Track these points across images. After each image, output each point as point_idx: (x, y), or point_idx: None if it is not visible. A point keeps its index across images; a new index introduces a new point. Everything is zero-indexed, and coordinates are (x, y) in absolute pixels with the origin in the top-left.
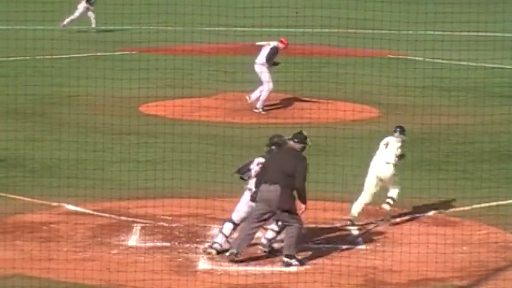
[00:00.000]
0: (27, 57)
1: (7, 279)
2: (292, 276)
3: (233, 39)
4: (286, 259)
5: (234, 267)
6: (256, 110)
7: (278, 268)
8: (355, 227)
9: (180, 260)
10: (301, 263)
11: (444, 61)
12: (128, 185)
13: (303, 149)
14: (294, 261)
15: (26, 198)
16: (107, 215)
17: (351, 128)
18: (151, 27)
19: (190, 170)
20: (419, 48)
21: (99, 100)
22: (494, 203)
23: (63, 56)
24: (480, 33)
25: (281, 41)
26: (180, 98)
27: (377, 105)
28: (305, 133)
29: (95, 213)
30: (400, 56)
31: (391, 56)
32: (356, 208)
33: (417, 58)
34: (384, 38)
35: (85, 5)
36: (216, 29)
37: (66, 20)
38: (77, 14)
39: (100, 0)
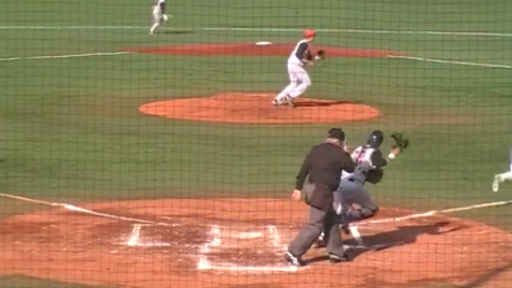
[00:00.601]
0: (27, 57)
1: (7, 280)
2: (292, 276)
3: (233, 39)
4: (289, 254)
5: (234, 268)
6: (285, 102)
7: (278, 268)
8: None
9: (180, 260)
10: (302, 263)
11: (444, 61)
12: (128, 185)
13: (342, 144)
14: (295, 260)
15: (26, 199)
16: (106, 215)
17: (351, 128)
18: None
19: (190, 170)
20: (420, 48)
21: (99, 100)
22: (494, 203)
23: (63, 56)
24: (480, 33)
25: (305, 34)
26: (180, 98)
27: (377, 105)
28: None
29: (95, 213)
30: (400, 56)
31: (391, 56)
32: (507, 175)
33: (417, 58)
34: (384, 38)
35: (159, 9)
36: (216, 29)
37: (152, 28)
38: (156, 19)
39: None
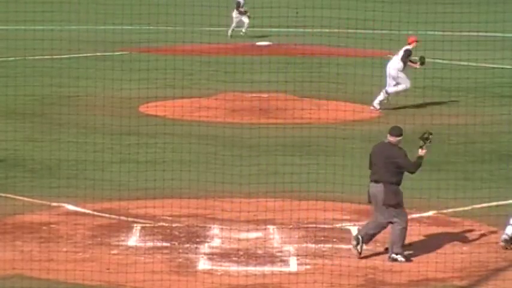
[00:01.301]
0: (27, 57)
1: (7, 280)
2: (292, 276)
3: (233, 39)
4: (393, 255)
5: (234, 268)
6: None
7: (278, 268)
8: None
9: (180, 260)
10: (407, 259)
11: (444, 61)
12: (128, 185)
13: (399, 141)
14: (400, 257)
15: (26, 199)
16: (106, 215)
17: (351, 128)
18: (151, 27)
19: (190, 170)
20: (420, 48)
21: (99, 100)
22: (495, 203)
23: (63, 56)
24: (480, 33)
25: (409, 42)
26: (180, 98)
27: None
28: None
29: (95, 213)
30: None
31: (392, 56)
32: None
33: (417, 58)
34: (384, 38)
35: (237, 13)
36: (216, 29)
37: (229, 31)
38: (234, 23)
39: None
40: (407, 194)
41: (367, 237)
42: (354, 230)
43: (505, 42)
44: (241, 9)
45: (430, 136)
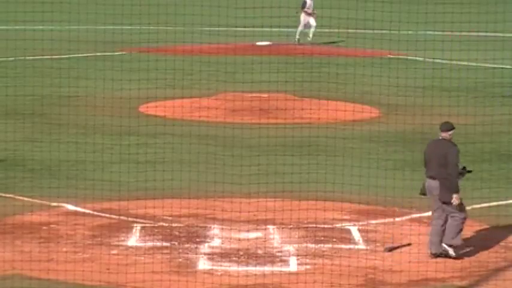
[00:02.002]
0: (27, 58)
1: (6, 280)
2: (292, 276)
3: (233, 39)
4: (445, 246)
5: (234, 268)
6: None
7: (278, 268)
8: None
9: (180, 260)
10: (457, 254)
11: (444, 61)
12: (128, 185)
13: (452, 135)
14: (450, 250)
15: (26, 199)
16: (106, 215)
17: (351, 128)
18: (151, 27)
19: (190, 170)
20: (420, 48)
21: (99, 100)
22: (495, 203)
23: (62, 56)
24: (480, 33)
25: None
26: (180, 98)
27: (377, 106)
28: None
29: (95, 213)
30: (401, 56)
31: (392, 56)
32: None
33: (417, 58)
34: (384, 38)
35: (304, 14)
36: (216, 29)
37: (296, 34)
38: (301, 25)
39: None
40: (407, 194)
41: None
42: (354, 230)
43: (505, 42)
44: (307, 10)
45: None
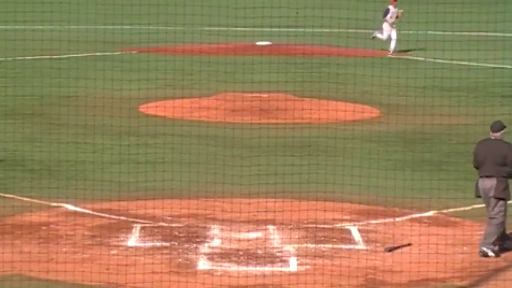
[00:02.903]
0: (27, 58)
1: (6, 280)
2: (292, 277)
3: (233, 39)
4: (484, 249)
5: (234, 268)
6: None
7: (278, 268)
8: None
9: (180, 260)
10: (496, 254)
11: (445, 61)
12: (128, 185)
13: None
14: (490, 251)
15: (25, 199)
16: (106, 215)
17: (351, 129)
18: (151, 27)
19: (190, 170)
20: (420, 48)
21: (99, 100)
22: None
23: (62, 56)
24: (481, 33)
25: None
26: (180, 98)
27: (378, 106)
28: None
29: (95, 213)
30: (401, 56)
31: (392, 56)
32: None
33: (418, 58)
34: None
35: (387, 25)
36: (216, 29)
37: (391, 47)
38: (384, 35)
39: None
40: (407, 194)
41: (499, 241)
42: (354, 230)
43: (506, 42)
44: (388, 19)
45: None
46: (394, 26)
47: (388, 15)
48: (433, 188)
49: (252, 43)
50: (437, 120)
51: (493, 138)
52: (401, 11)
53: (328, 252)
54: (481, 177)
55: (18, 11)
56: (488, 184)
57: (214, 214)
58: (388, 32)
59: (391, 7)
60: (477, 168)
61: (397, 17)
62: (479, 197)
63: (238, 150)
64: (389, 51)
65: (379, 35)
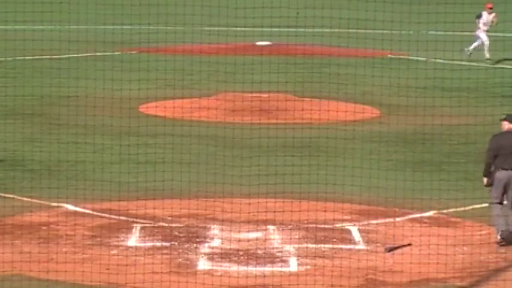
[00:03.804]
0: (27, 57)
1: (6, 280)
2: (292, 277)
3: (233, 39)
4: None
5: (234, 268)
6: None
7: (278, 268)
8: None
9: (180, 260)
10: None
11: (445, 61)
12: (128, 185)
13: None
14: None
15: (25, 199)
16: (106, 215)
17: (352, 129)
18: (151, 27)
19: (190, 171)
20: (421, 48)
21: (99, 100)
22: None
23: (62, 56)
24: None
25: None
26: (180, 98)
27: (378, 106)
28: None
29: (95, 213)
30: (401, 56)
31: (392, 56)
32: None
33: (418, 58)
34: (385, 38)
35: (480, 32)
36: (216, 29)
37: (486, 53)
38: (477, 42)
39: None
40: (408, 194)
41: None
42: (355, 230)
43: (506, 42)
44: (481, 25)
45: None
46: (486, 31)
47: (481, 22)
48: (433, 188)
49: (252, 43)
50: (437, 120)
51: (508, 131)
52: (494, 14)
53: (329, 252)
54: (501, 169)
55: (18, 11)
56: (507, 175)
57: (214, 214)
58: (483, 38)
59: (484, 13)
60: (489, 164)
61: (491, 23)
62: (490, 185)
63: (238, 151)
64: (487, 56)
65: (473, 46)
